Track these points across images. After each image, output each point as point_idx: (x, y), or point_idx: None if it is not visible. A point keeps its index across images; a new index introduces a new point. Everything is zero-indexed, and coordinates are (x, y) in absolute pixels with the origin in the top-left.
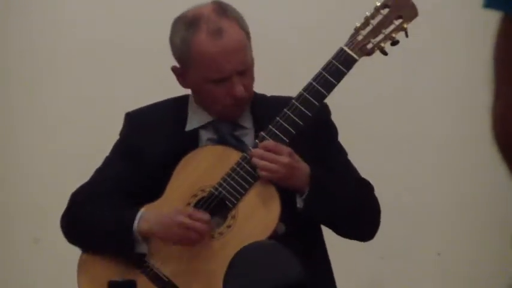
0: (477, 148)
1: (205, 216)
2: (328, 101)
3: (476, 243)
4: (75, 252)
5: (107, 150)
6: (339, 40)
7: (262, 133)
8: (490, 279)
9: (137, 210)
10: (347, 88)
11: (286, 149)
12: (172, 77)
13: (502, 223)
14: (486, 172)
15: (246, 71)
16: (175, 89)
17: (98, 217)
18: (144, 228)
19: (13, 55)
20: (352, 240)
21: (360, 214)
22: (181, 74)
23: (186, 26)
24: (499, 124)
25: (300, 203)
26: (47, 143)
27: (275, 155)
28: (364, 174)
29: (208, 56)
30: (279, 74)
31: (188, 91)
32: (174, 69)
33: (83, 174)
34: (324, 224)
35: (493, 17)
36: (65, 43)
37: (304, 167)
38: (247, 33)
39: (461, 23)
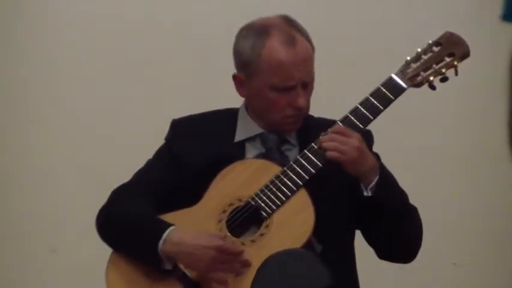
0: (493, 157)
1: (238, 248)
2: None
3: (491, 253)
4: (91, 262)
5: (125, 162)
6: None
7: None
8: None
9: (166, 227)
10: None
11: (357, 134)
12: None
13: None
14: (502, 181)
15: (308, 84)
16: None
17: (130, 221)
18: (170, 252)
19: (23, 53)
20: (370, 251)
21: (414, 221)
22: (243, 81)
23: (256, 33)
24: None
25: (367, 192)
26: (64, 154)
27: (345, 138)
28: None
29: (280, 63)
30: None
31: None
32: (235, 76)
33: (101, 186)
34: (384, 221)
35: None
36: (79, 46)
37: (372, 157)
38: (313, 49)
39: (477, 36)
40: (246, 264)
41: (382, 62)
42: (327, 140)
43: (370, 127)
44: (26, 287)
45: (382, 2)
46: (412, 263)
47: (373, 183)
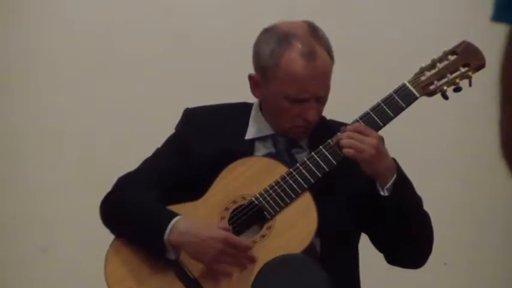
0: (484, 158)
1: (245, 242)
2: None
3: (482, 253)
4: (82, 262)
5: (116, 160)
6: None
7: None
8: None
9: (172, 217)
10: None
11: (375, 133)
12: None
13: (509, 233)
14: (493, 182)
15: (323, 98)
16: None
17: (136, 208)
18: (176, 241)
19: (15, 56)
20: (361, 250)
21: (428, 227)
22: (259, 84)
23: (278, 39)
24: (507, 140)
25: (383, 191)
26: (55, 153)
27: (363, 136)
28: None
29: (296, 75)
30: None
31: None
32: (251, 77)
33: (91, 185)
34: (398, 223)
35: (502, 30)
36: (75, 49)
37: (389, 156)
38: (333, 61)
39: (468, 34)
40: (252, 260)
41: (370, 63)
42: (344, 137)
43: None
44: (16, 287)
45: (370, 4)
46: None
47: (390, 183)
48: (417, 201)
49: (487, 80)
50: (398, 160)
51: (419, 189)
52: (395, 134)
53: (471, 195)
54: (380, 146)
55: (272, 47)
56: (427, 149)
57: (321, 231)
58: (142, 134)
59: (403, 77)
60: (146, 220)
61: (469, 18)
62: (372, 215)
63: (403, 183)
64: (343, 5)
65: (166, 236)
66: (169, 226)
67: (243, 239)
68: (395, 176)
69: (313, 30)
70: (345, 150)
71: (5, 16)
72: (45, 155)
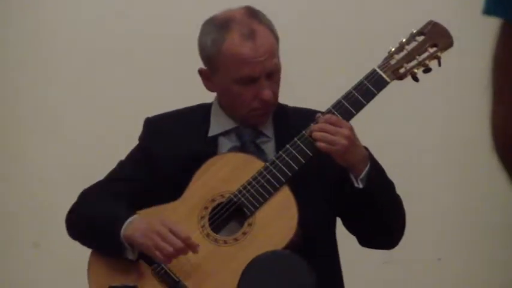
0: (478, 154)
1: (184, 233)
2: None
3: (476, 249)
4: (75, 256)
5: (110, 155)
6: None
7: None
8: (490, 285)
9: (130, 214)
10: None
11: (347, 124)
12: (181, 81)
13: (503, 229)
14: (486, 178)
15: (274, 75)
16: (176, 97)
17: (96, 217)
18: (128, 234)
19: (15, 56)
20: (355, 245)
21: (401, 211)
22: (209, 76)
23: (217, 27)
24: (499, 133)
25: (357, 183)
26: (49, 147)
27: (335, 127)
28: None
29: (240, 56)
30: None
31: (209, 98)
32: (201, 71)
33: (85, 179)
34: (371, 211)
35: (493, 24)
36: (73, 46)
37: (362, 147)
38: (277, 39)
39: (460, 28)
40: (194, 249)
41: (361, 58)
42: (316, 129)
43: (363, 116)
44: (8, 282)
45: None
46: (397, 258)
47: (363, 173)
48: (390, 187)
49: (479, 73)
50: (392, 157)
51: (413, 185)
52: (388, 131)
53: (465, 191)
54: (352, 136)
55: (213, 36)
56: (419, 146)
57: (301, 223)
58: (136, 135)
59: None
60: (104, 224)
61: (461, 11)
62: (346, 203)
63: (376, 173)
64: (339, 2)
65: (122, 232)
66: (127, 222)
67: (184, 231)
68: (368, 166)
69: (251, 12)
70: (318, 144)
71: (5, 15)
72: (38, 151)
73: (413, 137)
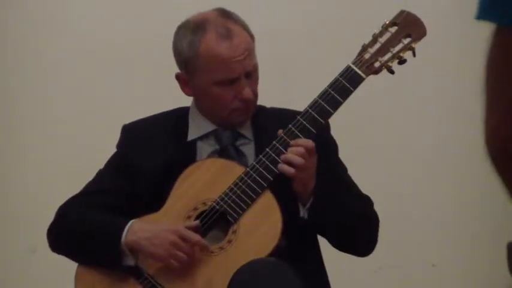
0: (471, 159)
1: (195, 237)
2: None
3: (470, 254)
4: (72, 263)
5: (109, 156)
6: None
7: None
8: None
9: (127, 221)
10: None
11: (315, 153)
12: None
13: (497, 233)
14: (480, 183)
15: (252, 74)
16: (174, 96)
17: (85, 227)
18: (131, 241)
19: (15, 56)
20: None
21: (359, 227)
22: (187, 80)
23: (192, 30)
24: (492, 137)
25: (303, 213)
26: (46, 151)
27: (309, 155)
28: (358, 186)
29: (218, 57)
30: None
31: (187, 103)
32: (178, 76)
33: (82, 184)
34: (324, 235)
35: (486, 29)
36: (73, 46)
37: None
38: (253, 38)
39: (453, 34)
40: (206, 250)
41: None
42: (294, 152)
43: (355, 123)
44: (5, 286)
45: (356, 2)
46: (392, 263)
47: (308, 204)
48: (343, 210)
49: (472, 77)
50: (389, 159)
51: (408, 191)
52: (384, 133)
53: (459, 196)
54: (314, 164)
55: (189, 39)
56: (413, 149)
57: (284, 227)
58: None
59: (393, 75)
60: (99, 233)
61: (454, 16)
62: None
63: (323, 201)
64: (336, 3)
65: (123, 239)
66: (126, 228)
67: (195, 234)
68: (311, 200)
69: (224, 13)
70: (286, 168)
71: (5, 14)
72: (34, 154)
73: (406, 142)
